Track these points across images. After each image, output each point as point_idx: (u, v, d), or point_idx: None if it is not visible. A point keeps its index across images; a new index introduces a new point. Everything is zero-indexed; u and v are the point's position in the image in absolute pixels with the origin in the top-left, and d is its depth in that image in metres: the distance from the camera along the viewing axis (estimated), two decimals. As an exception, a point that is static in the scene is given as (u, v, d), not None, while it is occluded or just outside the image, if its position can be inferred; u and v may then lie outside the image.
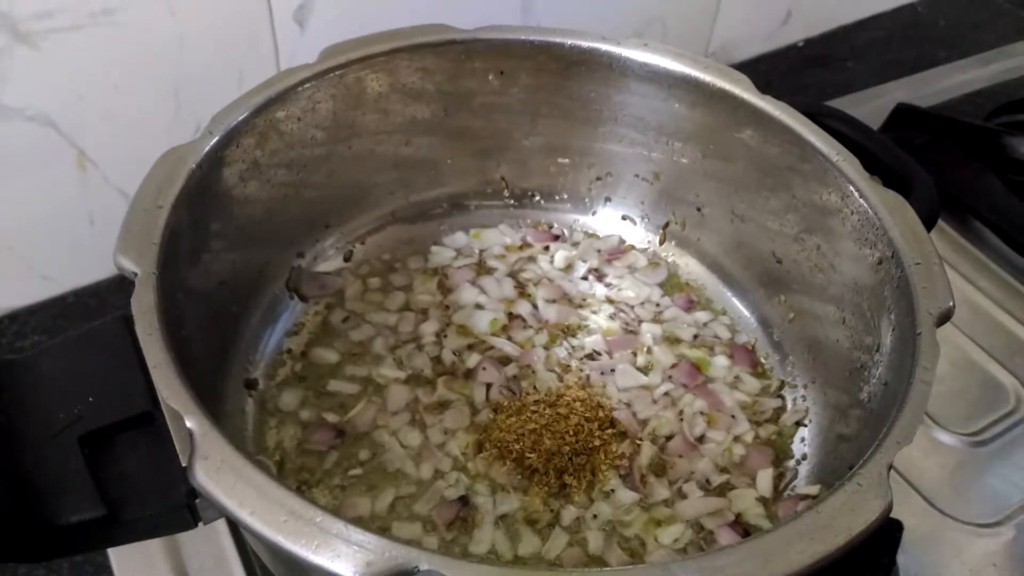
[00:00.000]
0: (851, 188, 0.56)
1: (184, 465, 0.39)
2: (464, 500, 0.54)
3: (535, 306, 0.66)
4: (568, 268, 0.70)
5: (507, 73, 0.65)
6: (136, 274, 0.45)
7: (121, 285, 0.78)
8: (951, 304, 0.49)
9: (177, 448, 0.41)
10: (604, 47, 0.63)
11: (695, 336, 0.66)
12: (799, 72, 1.08)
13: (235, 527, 0.58)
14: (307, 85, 0.58)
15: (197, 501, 0.42)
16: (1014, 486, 0.64)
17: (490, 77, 0.65)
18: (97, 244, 0.75)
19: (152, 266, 0.45)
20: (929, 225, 0.55)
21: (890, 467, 0.41)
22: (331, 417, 0.58)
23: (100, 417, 0.43)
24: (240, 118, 0.55)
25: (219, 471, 0.38)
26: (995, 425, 0.68)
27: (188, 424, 0.39)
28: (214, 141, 0.53)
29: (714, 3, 0.99)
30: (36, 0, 0.62)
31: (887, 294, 0.52)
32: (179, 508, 0.42)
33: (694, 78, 0.62)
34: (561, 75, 0.65)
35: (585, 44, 0.63)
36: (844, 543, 0.38)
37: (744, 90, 0.61)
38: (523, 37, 0.63)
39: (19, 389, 0.44)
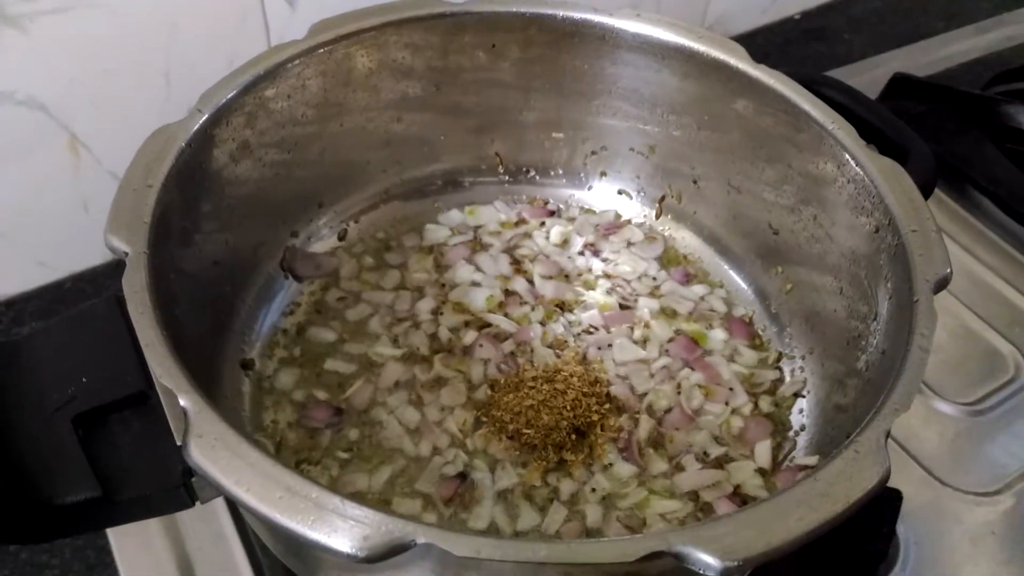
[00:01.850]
0: (847, 156, 0.55)
1: (179, 444, 0.39)
2: (463, 476, 0.54)
3: (531, 282, 0.66)
4: (564, 244, 0.69)
5: (499, 47, 0.64)
6: (127, 253, 0.45)
7: (118, 270, 0.77)
8: (948, 271, 0.49)
9: (172, 427, 0.41)
10: (596, 18, 0.63)
11: (692, 309, 0.65)
12: (796, 45, 1.07)
13: (234, 506, 0.58)
14: (296, 62, 0.58)
15: (193, 480, 0.42)
16: (1013, 455, 0.64)
17: (481, 52, 0.64)
18: (92, 229, 0.74)
19: (143, 245, 0.45)
20: (926, 193, 0.54)
21: (888, 434, 0.41)
22: (328, 396, 0.58)
23: (94, 397, 0.43)
24: (229, 96, 0.54)
25: (214, 449, 0.38)
26: (994, 394, 0.68)
27: (182, 402, 0.39)
28: (203, 119, 0.53)
29: (709, -24, 0.98)
30: (22, -18, 0.61)
31: (884, 262, 0.52)
32: (175, 487, 0.42)
33: (688, 48, 0.61)
34: (553, 48, 0.64)
35: (577, 15, 0.63)
36: (842, 510, 0.38)
37: (738, 60, 0.60)
38: (514, 9, 0.63)
39: (12, 371, 0.43)
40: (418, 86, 0.65)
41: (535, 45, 0.64)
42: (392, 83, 0.64)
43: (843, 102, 0.62)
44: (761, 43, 1.07)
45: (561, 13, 0.63)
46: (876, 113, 0.63)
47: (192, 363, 0.42)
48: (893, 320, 0.50)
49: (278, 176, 0.61)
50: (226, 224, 0.57)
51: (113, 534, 0.57)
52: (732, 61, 0.60)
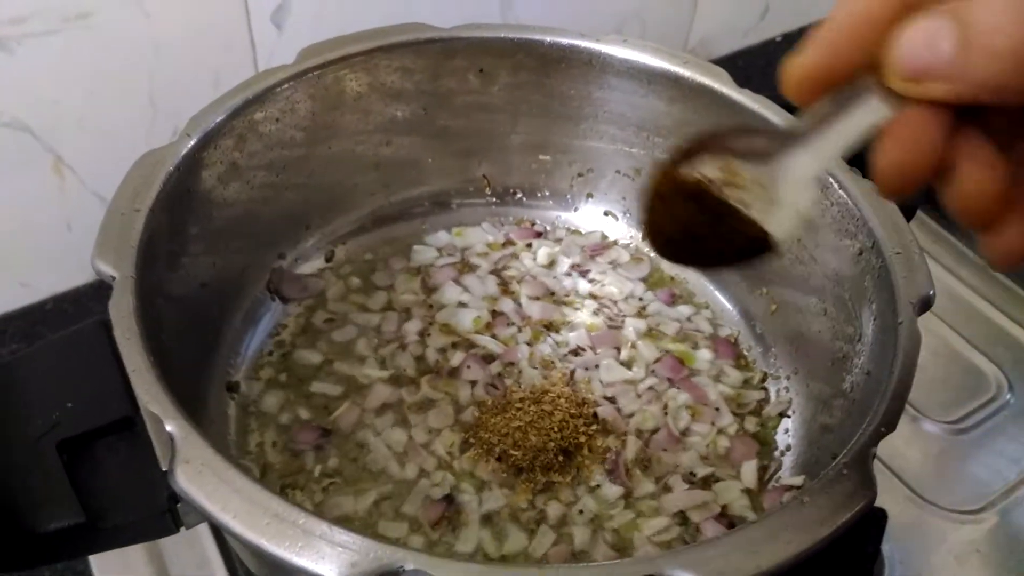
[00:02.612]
0: (830, 179, 0.56)
1: (165, 469, 0.39)
2: (450, 499, 0.54)
3: (518, 303, 0.66)
4: (551, 265, 0.70)
5: (487, 71, 0.65)
6: (114, 278, 0.45)
7: (100, 291, 0.77)
8: (931, 292, 0.49)
9: (157, 453, 0.40)
10: (583, 44, 0.63)
11: (678, 330, 0.66)
12: (778, 67, 1.08)
13: (218, 531, 0.57)
14: (285, 86, 0.58)
15: (179, 506, 0.42)
16: (996, 473, 0.65)
17: (470, 76, 0.65)
18: (75, 250, 0.74)
19: (130, 269, 0.45)
20: (908, 215, 0.55)
21: (874, 456, 0.42)
22: (315, 418, 0.58)
23: (79, 423, 0.43)
24: (218, 120, 0.55)
25: (200, 475, 0.38)
26: (977, 412, 0.68)
27: (168, 428, 0.39)
28: (191, 144, 0.53)
29: (692, -1, 0.99)
30: (9, 5, 0.61)
31: (868, 284, 0.53)
32: (161, 513, 0.42)
33: (673, 73, 0.62)
34: (541, 72, 0.65)
35: (564, 41, 0.63)
36: (830, 533, 0.39)
37: (723, 84, 0.61)
38: (502, 35, 0.63)
39: (-3, 396, 0.43)
40: (407, 110, 0.65)
41: (523, 70, 0.65)
42: (381, 106, 0.64)
43: (826, 125, 0.62)
44: (743, 65, 1.08)
45: (548, 39, 0.63)
46: (858, 136, 0.64)
47: (178, 387, 0.41)
48: (878, 341, 0.51)
49: (266, 199, 0.61)
50: (213, 246, 0.57)
51: (95, 560, 0.57)
52: (716, 86, 0.61)
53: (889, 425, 0.43)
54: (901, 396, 0.44)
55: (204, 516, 0.38)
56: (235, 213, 0.59)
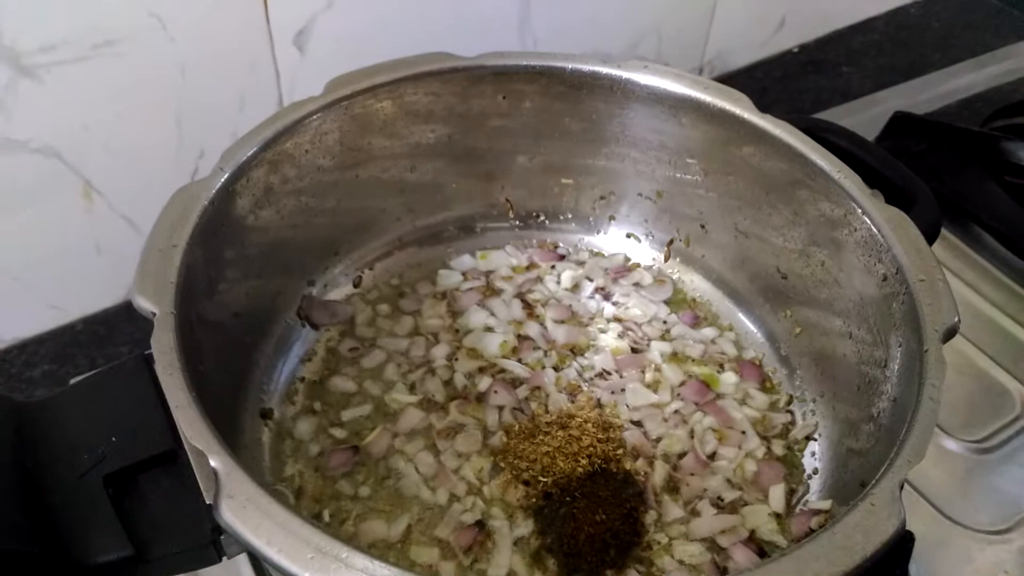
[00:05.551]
0: (853, 205, 0.56)
1: (209, 503, 0.40)
2: (481, 524, 0.55)
3: (544, 327, 0.67)
4: (575, 287, 0.70)
5: (509, 98, 0.66)
6: (154, 314, 0.46)
7: (130, 313, 0.78)
8: (956, 320, 0.50)
9: (201, 486, 0.41)
10: (605, 70, 0.64)
11: (703, 352, 0.66)
12: (795, 78, 1.09)
13: (257, 561, 0.58)
14: (315, 116, 0.59)
15: (222, 537, 0.42)
16: (1023, 492, 0.65)
17: (492, 103, 0.66)
18: (105, 272, 0.76)
19: (170, 305, 0.46)
20: (931, 239, 0.56)
21: (902, 485, 0.42)
22: (346, 444, 0.59)
23: (124, 456, 0.43)
24: (249, 153, 0.56)
25: (244, 509, 0.39)
26: (1002, 431, 0.68)
27: (212, 463, 0.40)
28: (225, 177, 0.54)
29: (708, 12, 1.00)
30: (39, 34, 0.62)
31: (895, 309, 0.53)
32: (204, 545, 0.42)
33: (695, 99, 0.63)
34: (563, 98, 0.66)
35: (586, 68, 0.64)
36: (859, 563, 0.39)
37: (744, 109, 0.61)
38: (524, 63, 0.64)
39: (44, 431, 0.44)
40: (431, 135, 0.66)
41: (546, 96, 0.65)
42: (407, 133, 0.65)
43: (846, 147, 0.63)
44: (760, 77, 1.08)
45: (570, 66, 0.64)
46: (880, 157, 0.64)
47: (214, 414, 0.42)
48: (904, 368, 0.51)
49: (296, 225, 0.62)
50: (247, 273, 0.58)
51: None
52: (738, 111, 0.61)
53: (917, 455, 0.43)
54: (928, 426, 0.44)
55: (248, 549, 0.39)
56: (266, 240, 0.60)
